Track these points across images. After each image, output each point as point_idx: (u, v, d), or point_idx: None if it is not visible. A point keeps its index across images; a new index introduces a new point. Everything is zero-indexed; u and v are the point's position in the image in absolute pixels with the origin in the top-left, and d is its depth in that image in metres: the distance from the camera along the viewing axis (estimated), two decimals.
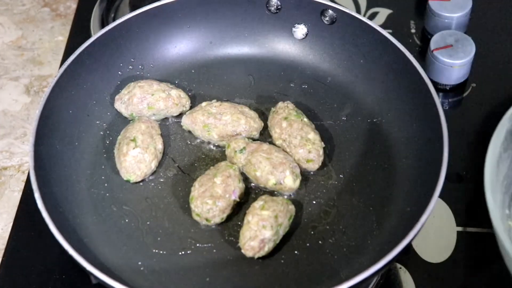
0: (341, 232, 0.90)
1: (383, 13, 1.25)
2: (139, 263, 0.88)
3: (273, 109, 0.99)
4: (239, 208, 0.92)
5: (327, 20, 1.04)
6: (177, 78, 1.05)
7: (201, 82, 1.05)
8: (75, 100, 0.98)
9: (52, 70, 1.22)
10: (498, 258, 0.83)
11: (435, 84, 1.04)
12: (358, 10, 1.25)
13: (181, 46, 1.07)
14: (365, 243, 0.89)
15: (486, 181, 0.80)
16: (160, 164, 0.96)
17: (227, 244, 0.89)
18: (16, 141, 1.13)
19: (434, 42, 1.11)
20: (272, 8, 1.07)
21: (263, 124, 0.98)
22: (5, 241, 0.99)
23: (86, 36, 1.17)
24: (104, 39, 1.01)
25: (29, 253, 0.97)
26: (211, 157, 0.98)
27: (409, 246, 0.85)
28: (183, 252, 0.89)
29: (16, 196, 1.06)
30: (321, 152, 0.95)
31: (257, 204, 0.88)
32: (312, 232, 0.91)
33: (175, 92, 1.00)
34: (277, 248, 0.88)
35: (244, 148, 0.94)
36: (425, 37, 1.19)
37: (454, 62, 1.10)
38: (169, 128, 1.01)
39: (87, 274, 0.82)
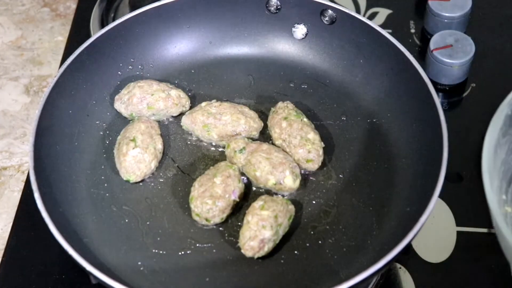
0: (341, 232, 0.90)
1: (383, 13, 1.25)
2: (139, 263, 0.88)
3: (273, 109, 0.99)
4: (239, 208, 0.92)
5: (326, 20, 1.04)
6: (176, 78, 1.05)
7: (201, 82, 1.05)
8: (75, 100, 0.98)
9: (52, 70, 1.22)
10: (498, 258, 0.83)
11: (435, 84, 1.04)
12: (358, 10, 1.25)
13: (180, 46, 1.07)
14: (365, 243, 0.89)
15: (484, 166, 0.79)
16: (160, 164, 0.96)
17: (227, 244, 0.89)
18: (16, 141, 1.13)
19: (433, 42, 1.11)
20: (272, 8, 1.07)
21: (262, 124, 0.98)
22: (5, 241, 0.99)
23: (86, 36, 1.17)
24: (104, 39, 1.01)
25: (29, 253, 0.97)
26: (211, 157, 0.98)
27: (409, 246, 0.85)
28: (183, 252, 0.89)
29: (16, 196, 1.06)
30: (321, 152, 0.95)
31: (257, 204, 0.88)
32: (312, 232, 0.91)
33: (175, 92, 1.00)
34: (277, 248, 0.88)
35: (244, 148, 0.94)
36: (425, 37, 1.20)
37: (454, 62, 1.10)
38: (169, 128, 1.00)
39: (87, 274, 0.82)
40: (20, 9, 1.32)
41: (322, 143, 0.96)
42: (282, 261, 0.88)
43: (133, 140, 0.94)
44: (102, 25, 1.20)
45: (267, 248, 0.86)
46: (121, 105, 0.99)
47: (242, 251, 0.86)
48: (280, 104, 0.99)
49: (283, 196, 0.93)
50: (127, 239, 0.90)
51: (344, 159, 0.97)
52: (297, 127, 0.95)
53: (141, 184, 0.95)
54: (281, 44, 1.08)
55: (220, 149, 0.98)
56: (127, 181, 0.94)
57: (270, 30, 1.08)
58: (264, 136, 0.99)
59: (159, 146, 0.96)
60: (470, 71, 1.13)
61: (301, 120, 0.96)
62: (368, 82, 1.02)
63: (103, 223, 0.91)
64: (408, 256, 0.96)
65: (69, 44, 1.21)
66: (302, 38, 1.07)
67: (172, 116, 1.01)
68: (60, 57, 1.21)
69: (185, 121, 0.99)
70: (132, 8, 1.20)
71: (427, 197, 0.84)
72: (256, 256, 0.86)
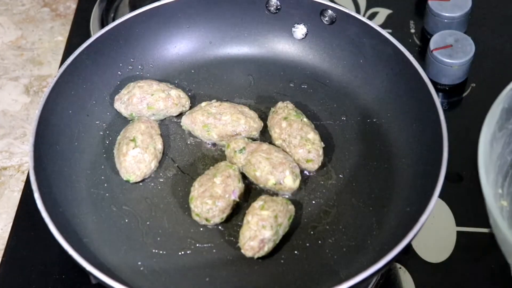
0: (341, 232, 0.90)
1: (383, 13, 1.25)
2: (139, 263, 0.88)
3: (272, 109, 0.99)
4: (239, 208, 0.92)
5: (326, 20, 1.04)
6: (176, 78, 1.05)
7: (201, 82, 1.05)
8: (75, 100, 0.98)
9: (52, 70, 1.22)
10: (498, 258, 0.83)
11: (434, 84, 1.04)
12: (357, 10, 1.25)
13: (180, 46, 1.07)
14: (365, 243, 0.89)
15: (480, 160, 0.79)
16: (159, 164, 0.96)
17: (227, 244, 0.89)
18: (15, 141, 1.13)
19: (433, 42, 1.11)
20: (272, 8, 1.07)
21: (262, 124, 0.98)
22: (5, 241, 0.99)
23: (86, 36, 1.16)
24: (104, 39, 1.01)
25: (29, 253, 0.97)
26: (211, 157, 0.98)
27: (409, 246, 0.85)
28: (182, 252, 0.89)
29: (16, 196, 1.06)
30: (321, 152, 0.95)
31: (257, 204, 0.88)
32: (312, 232, 0.91)
33: (175, 92, 1.00)
34: (277, 248, 0.88)
35: (244, 148, 0.94)
36: (425, 37, 1.20)
37: (454, 62, 1.10)
38: (168, 128, 1.00)
39: (87, 274, 0.82)
40: (20, 9, 1.32)
41: (322, 143, 0.96)
42: (282, 261, 0.88)
43: (133, 140, 0.94)
44: (102, 25, 1.20)
45: (267, 248, 0.86)
46: (121, 105, 0.99)
47: (242, 251, 0.86)
48: (280, 104, 0.99)
49: (283, 196, 0.93)
50: (127, 239, 0.90)
51: (344, 159, 0.97)
52: (297, 127, 0.95)
53: (141, 184, 0.95)
54: (281, 44, 1.08)
55: (220, 149, 0.98)
56: (127, 181, 0.94)
57: (270, 30, 1.08)
58: (264, 136, 0.99)
59: (159, 146, 0.96)
60: (470, 71, 1.13)
61: (301, 120, 0.96)
62: (368, 82, 1.02)
63: (103, 223, 0.91)
64: (408, 256, 0.96)
65: (69, 44, 1.21)
66: (302, 38, 1.07)
67: (172, 116, 1.01)
68: (60, 57, 1.21)
69: (185, 121, 0.99)
70: (132, 8, 1.20)
71: (427, 197, 0.84)
72: (256, 256, 0.86)
